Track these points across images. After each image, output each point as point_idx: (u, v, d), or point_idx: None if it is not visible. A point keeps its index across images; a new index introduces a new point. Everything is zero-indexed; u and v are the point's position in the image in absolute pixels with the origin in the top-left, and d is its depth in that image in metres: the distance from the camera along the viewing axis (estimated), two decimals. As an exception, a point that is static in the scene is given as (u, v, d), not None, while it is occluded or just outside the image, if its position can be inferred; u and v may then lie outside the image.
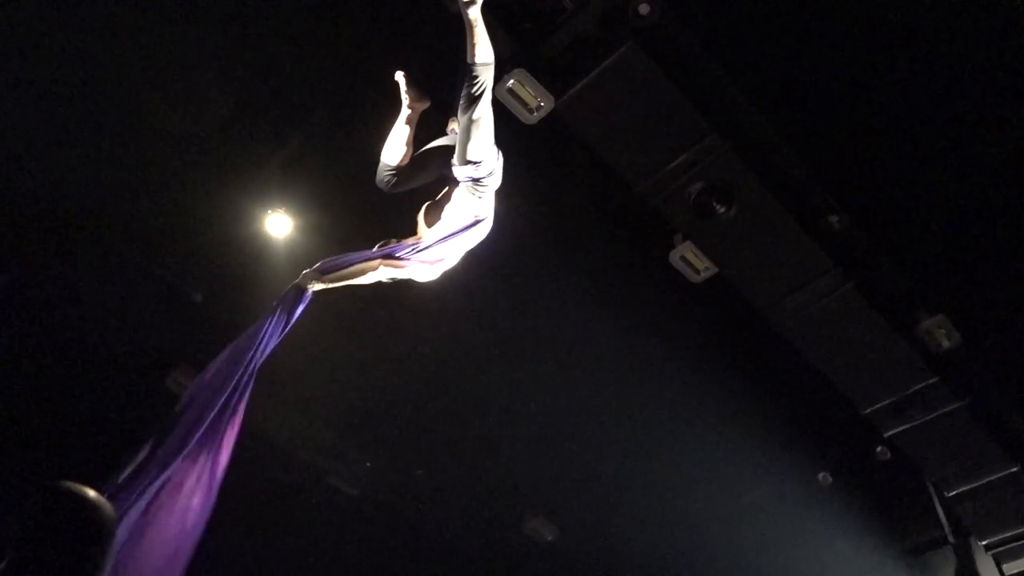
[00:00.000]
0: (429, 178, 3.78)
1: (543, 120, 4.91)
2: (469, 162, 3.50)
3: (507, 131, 4.87)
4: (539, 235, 5.80)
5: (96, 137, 5.15)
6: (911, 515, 6.95)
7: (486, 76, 3.35)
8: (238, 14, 4.80)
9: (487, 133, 3.47)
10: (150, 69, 4.93)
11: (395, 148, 3.71)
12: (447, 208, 3.73)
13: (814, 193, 5.37)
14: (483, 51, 3.31)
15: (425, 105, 3.72)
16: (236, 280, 5.86)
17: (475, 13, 3.24)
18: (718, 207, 5.20)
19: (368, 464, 7.05)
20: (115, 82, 4.97)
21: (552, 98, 4.84)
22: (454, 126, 3.69)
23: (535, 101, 4.83)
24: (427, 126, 3.83)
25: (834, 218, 5.43)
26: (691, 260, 5.56)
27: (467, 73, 3.33)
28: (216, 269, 5.87)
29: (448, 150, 3.62)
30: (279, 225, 5.68)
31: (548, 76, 4.82)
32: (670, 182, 5.18)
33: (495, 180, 3.65)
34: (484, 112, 3.41)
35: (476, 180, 3.59)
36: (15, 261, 5.52)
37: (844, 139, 5.17)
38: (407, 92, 3.71)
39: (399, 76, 3.71)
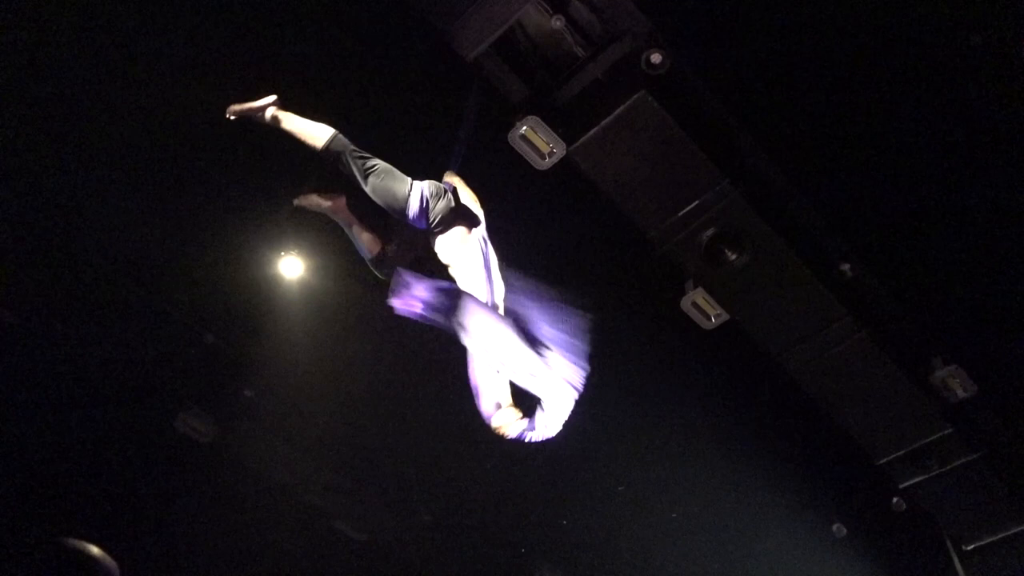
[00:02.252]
0: (419, 245, 3.81)
1: (555, 166, 4.95)
2: (403, 212, 3.59)
3: (520, 177, 4.93)
4: (549, 280, 5.80)
5: (107, 176, 5.22)
6: (928, 569, 6.80)
7: (336, 148, 3.53)
8: (253, 56, 4.88)
9: (389, 181, 3.56)
10: (165, 110, 5.00)
11: (361, 243, 3.81)
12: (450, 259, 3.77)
13: (826, 240, 5.37)
14: (312, 139, 3.53)
15: (341, 200, 3.80)
16: (248, 322, 5.89)
17: (269, 118, 3.54)
18: (729, 254, 5.20)
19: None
20: (128, 123, 5.04)
21: (564, 144, 4.89)
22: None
23: (547, 147, 4.88)
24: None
25: (846, 266, 5.41)
26: (702, 306, 5.55)
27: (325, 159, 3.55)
28: (228, 310, 5.89)
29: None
30: (291, 267, 5.72)
31: (561, 123, 4.88)
32: (681, 228, 5.19)
33: (440, 215, 3.65)
34: (368, 168, 3.54)
35: (426, 222, 3.63)
36: (25, 300, 5.56)
37: (856, 186, 5.18)
38: (319, 207, 3.82)
39: (297, 203, 3.84)
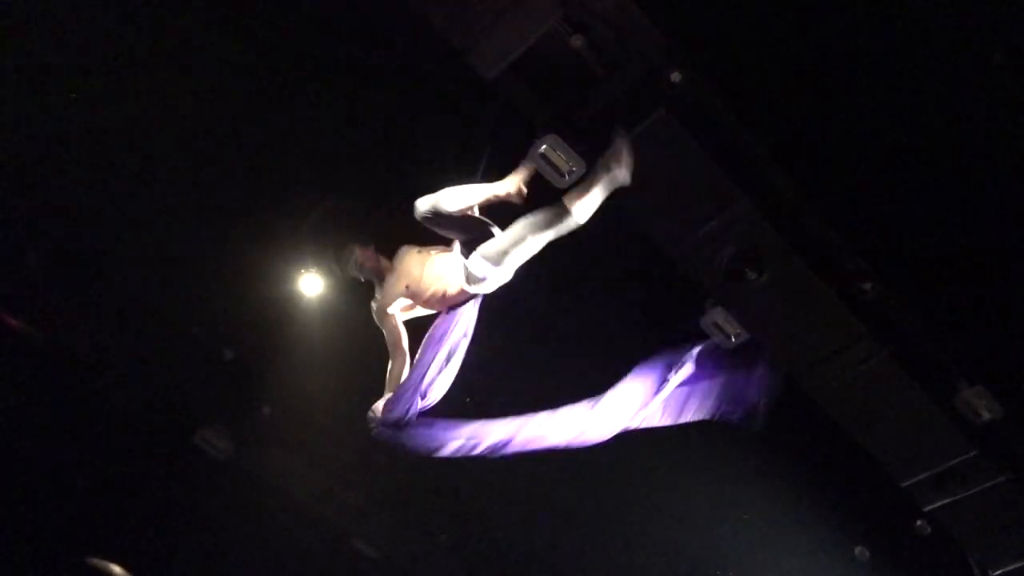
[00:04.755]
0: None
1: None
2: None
3: (539, 195, 4.94)
4: (568, 300, 5.81)
5: (128, 191, 5.27)
6: (953, 594, 6.69)
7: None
8: (275, 74, 4.94)
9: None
10: (184, 128, 5.05)
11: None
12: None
13: (847, 259, 5.32)
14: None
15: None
16: (268, 339, 5.92)
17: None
18: (749, 273, 5.16)
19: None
20: (149, 138, 5.09)
21: (584, 163, 4.89)
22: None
23: (567, 166, 4.88)
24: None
25: (867, 284, 5.36)
26: (722, 325, 5.51)
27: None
28: (248, 327, 5.93)
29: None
30: (312, 285, 5.74)
31: (580, 141, 4.88)
32: (701, 247, 5.17)
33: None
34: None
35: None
36: (45, 315, 5.61)
37: (878, 205, 5.14)
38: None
39: None
